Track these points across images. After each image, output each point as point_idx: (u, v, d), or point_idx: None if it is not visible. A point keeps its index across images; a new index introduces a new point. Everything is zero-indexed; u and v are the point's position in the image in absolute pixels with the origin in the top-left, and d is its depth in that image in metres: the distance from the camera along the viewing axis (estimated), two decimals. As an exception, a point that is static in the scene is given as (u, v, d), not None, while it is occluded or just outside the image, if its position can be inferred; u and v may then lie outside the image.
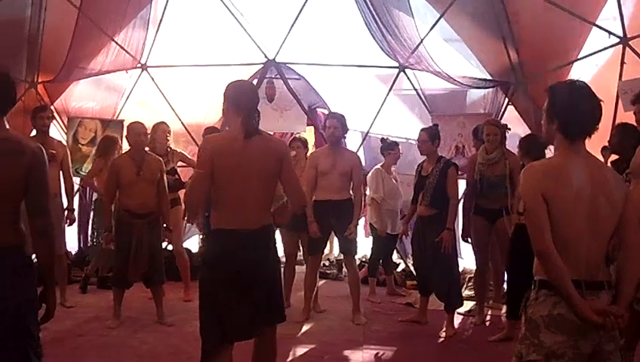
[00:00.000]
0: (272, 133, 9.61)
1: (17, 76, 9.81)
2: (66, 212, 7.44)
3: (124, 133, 9.16)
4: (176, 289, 7.90)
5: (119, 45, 9.50)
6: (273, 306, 4.16)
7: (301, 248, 7.78)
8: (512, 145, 7.04)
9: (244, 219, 4.02)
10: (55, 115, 9.92)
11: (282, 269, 8.22)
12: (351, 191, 7.04)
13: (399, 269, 9.36)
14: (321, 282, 8.08)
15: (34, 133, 7.38)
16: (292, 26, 9.21)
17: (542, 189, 3.00)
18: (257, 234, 4.07)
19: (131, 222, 6.64)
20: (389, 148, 8.30)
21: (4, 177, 3.22)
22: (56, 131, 10.15)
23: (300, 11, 9.11)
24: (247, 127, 4.08)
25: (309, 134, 10.11)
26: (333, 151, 7.01)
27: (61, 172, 7.40)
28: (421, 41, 8.76)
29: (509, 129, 7.15)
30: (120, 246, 6.74)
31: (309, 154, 7.70)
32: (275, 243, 4.31)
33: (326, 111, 9.80)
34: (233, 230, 4.02)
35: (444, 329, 6.77)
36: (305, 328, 6.91)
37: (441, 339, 6.65)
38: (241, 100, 4.14)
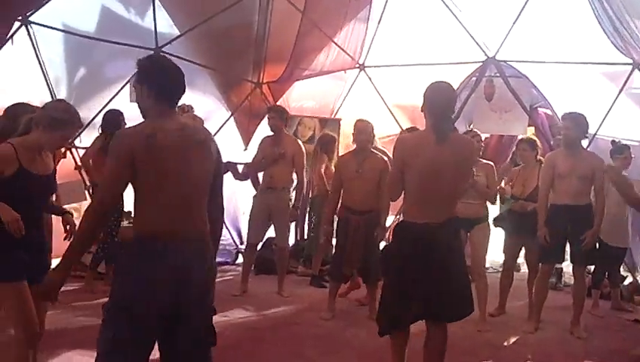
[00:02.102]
0: (487, 136, 9.51)
1: (244, 77, 10.45)
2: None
3: (340, 131, 9.48)
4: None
5: (338, 46, 9.74)
6: (455, 298, 4.29)
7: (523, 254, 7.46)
8: None
9: (432, 214, 4.25)
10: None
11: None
12: (591, 197, 6.59)
13: (626, 283, 8.63)
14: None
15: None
16: (514, 22, 8.82)
17: None
18: (443, 227, 4.26)
19: (350, 218, 6.76)
20: (619, 151, 7.65)
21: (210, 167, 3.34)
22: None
23: (523, 7, 8.70)
24: (437, 132, 4.25)
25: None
26: (572, 154, 6.55)
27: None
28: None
29: None
30: (338, 241, 6.92)
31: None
32: (460, 239, 4.51)
33: (548, 111, 9.30)
34: (423, 223, 4.26)
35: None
36: (517, 336, 6.59)
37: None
38: (434, 103, 4.29)
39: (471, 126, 9.57)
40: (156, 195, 3.10)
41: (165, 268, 3.05)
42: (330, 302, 6.98)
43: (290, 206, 7.76)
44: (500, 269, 7.70)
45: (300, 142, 8.10)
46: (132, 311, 3.02)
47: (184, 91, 3.34)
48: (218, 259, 9.54)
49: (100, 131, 7.55)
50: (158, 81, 3.26)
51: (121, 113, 7.33)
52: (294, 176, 7.81)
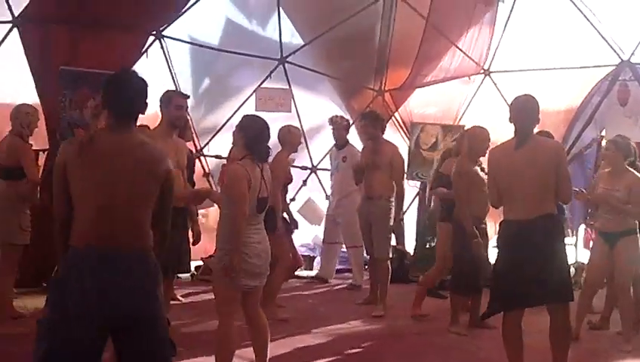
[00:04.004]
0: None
1: (366, 84, 10.49)
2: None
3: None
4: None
5: (463, 52, 9.59)
6: (550, 285, 4.56)
7: None
8: None
9: (521, 212, 4.63)
10: (399, 121, 10.44)
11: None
12: None
13: None
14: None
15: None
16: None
17: None
18: (534, 223, 4.58)
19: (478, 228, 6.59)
20: None
21: (143, 180, 3.23)
22: (399, 137, 10.62)
23: (661, 6, 8.26)
24: (516, 138, 4.72)
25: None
26: None
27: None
28: None
29: None
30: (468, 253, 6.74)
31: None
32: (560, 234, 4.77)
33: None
34: (517, 220, 4.65)
35: None
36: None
37: None
38: (512, 113, 4.74)
39: (602, 132, 9.15)
40: (83, 204, 3.12)
41: (95, 278, 3.01)
42: (455, 314, 6.79)
43: (391, 217, 7.41)
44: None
45: (398, 148, 7.80)
46: (66, 323, 2.98)
47: (140, 107, 3.31)
48: (338, 267, 9.72)
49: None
50: (112, 97, 3.30)
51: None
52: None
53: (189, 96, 5.58)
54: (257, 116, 5.05)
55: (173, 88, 8.98)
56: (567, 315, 4.74)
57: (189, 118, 8.02)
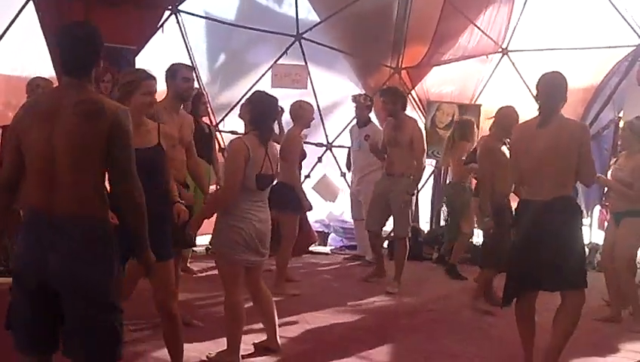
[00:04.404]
0: None
1: (383, 62, 10.44)
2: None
3: (481, 118, 9.26)
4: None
5: (481, 30, 9.51)
6: (565, 271, 4.48)
7: None
8: None
9: (539, 192, 4.56)
10: (416, 99, 10.39)
11: None
12: None
13: None
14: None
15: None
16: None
17: None
18: (552, 205, 4.49)
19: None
20: None
21: (82, 141, 2.96)
22: (416, 115, 10.58)
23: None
24: (542, 116, 4.59)
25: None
26: None
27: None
28: None
29: None
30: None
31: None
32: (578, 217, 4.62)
33: None
34: (535, 201, 4.59)
35: None
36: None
37: None
38: (538, 90, 4.64)
39: (620, 113, 9.06)
40: (28, 166, 3.03)
41: (33, 239, 2.99)
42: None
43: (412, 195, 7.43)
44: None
45: (419, 124, 7.74)
46: (17, 276, 3.05)
47: (82, 57, 3.03)
48: (347, 243, 9.74)
49: None
50: (61, 50, 3.09)
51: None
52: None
53: (194, 68, 5.47)
54: (268, 93, 4.98)
55: (190, 63, 9.01)
56: (578, 302, 4.59)
57: (204, 93, 8.05)
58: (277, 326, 5.04)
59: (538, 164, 4.57)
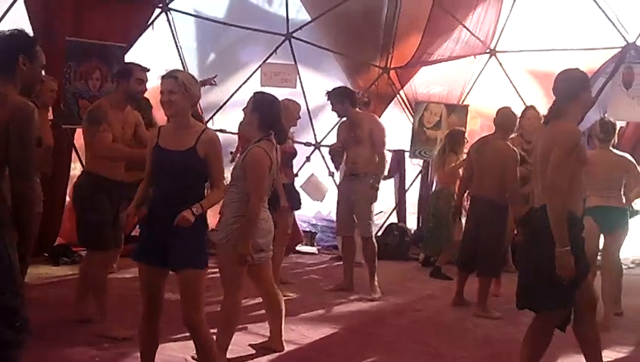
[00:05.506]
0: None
1: (372, 62, 10.48)
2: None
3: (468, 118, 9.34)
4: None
5: (469, 31, 9.57)
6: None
7: None
8: None
9: (539, 196, 4.14)
10: (404, 99, 10.45)
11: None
12: None
13: None
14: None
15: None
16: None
17: None
18: (538, 212, 4.10)
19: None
20: None
21: None
22: (404, 115, 10.66)
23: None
24: (548, 113, 4.24)
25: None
26: None
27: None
28: None
29: None
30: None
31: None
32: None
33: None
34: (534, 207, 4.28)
35: None
36: None
37: None
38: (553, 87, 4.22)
39: (605, 115, 9.15)
40: None
41: None
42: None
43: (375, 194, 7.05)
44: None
45: (376, 117, 7.36)
46: None
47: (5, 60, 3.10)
48: (335, 243, 9.77)
49: None
50: None
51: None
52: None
53: (149, 70, 5.39)
54: (268, 94, 4.95)
55: (179, 61, 9.02)
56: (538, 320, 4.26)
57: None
58: (282, 326, 5.05)
59: (534, 166, 4.31)
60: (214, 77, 7.96)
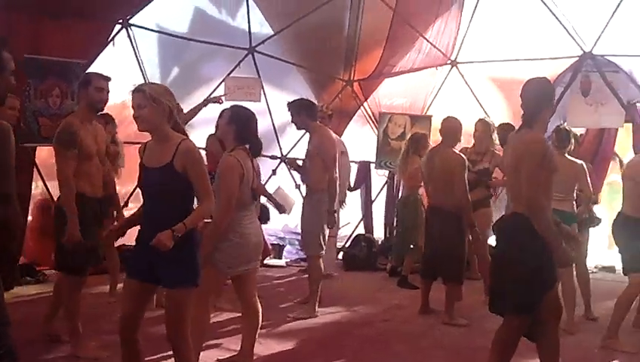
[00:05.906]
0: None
1: (335, 75, 10.54)
2: None
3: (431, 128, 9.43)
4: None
5: (430, 42, 9.68)
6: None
7: None
8: None
9: (514, 204, 4.31)
10: (368, 111, 10.52)
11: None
12: None
13: None
14: None
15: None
16: (612, 15, 8.50)
17: None
18: (509, 220, 4.30)
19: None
20: None
21: None
22: (368, 127, 10.73)
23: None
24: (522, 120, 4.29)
25: (625, 131, 9.34)
26: None
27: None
28: None
29: None
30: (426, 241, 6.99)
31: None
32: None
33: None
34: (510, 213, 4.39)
35: None
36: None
37: None
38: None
39: (564, 123, 9.31)
40: None
41: None
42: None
43: (321, 211, 6.68)
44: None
45: (330, 132, 6.97)
46: None
47: None
48: (303, 255, 9.76)
49: None
50: None
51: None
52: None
53: (110, 79, 5.25)
54: (243, 107, 4.94)
55: (141, 77, 8.96)
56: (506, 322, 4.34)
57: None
58: (255, 340, 4.98)
59: (507, 174, 4.44)
60: (223, 95, 7.82)
